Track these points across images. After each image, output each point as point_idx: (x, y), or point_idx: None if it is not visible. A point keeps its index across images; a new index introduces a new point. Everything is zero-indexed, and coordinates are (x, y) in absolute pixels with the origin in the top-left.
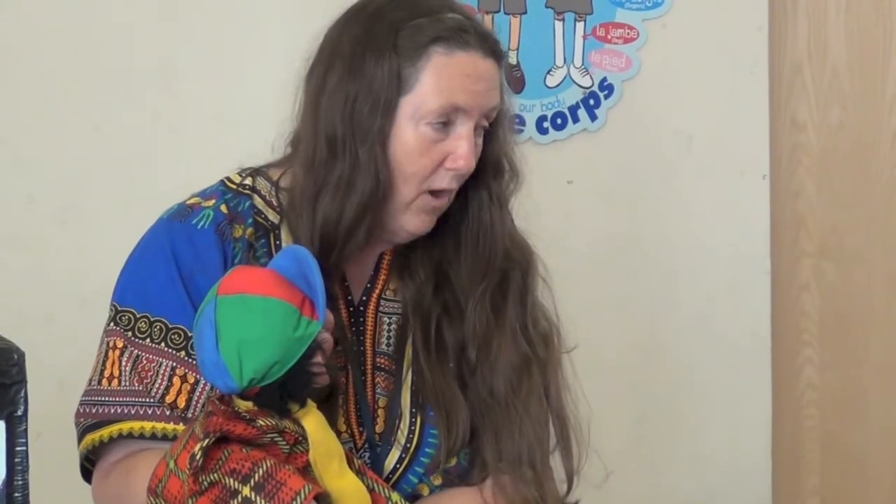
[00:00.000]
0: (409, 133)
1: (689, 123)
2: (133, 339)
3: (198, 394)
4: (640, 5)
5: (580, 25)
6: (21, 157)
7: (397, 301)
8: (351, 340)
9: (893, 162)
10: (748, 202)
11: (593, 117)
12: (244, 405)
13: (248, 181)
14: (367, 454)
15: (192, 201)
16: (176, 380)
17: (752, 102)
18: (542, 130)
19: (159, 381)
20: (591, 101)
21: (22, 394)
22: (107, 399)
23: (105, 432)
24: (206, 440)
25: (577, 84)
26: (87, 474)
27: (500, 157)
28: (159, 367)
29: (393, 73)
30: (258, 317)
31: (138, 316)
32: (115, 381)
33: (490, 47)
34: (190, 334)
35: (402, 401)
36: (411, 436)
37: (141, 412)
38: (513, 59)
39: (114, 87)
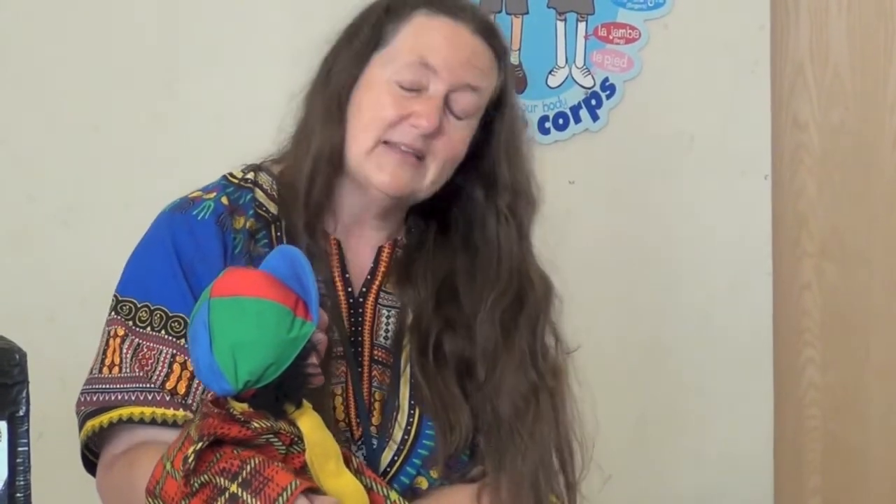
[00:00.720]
0: (377, 84)
1: (691, 123)
2: (134, 327)
3: (198, 381)
4: (642, 5)
5: (582, 25)
6: (21, 157)
7: (397, 294)
8: (349, 332)
9: (895, 162)
10: (750, 202)
11: (595, 117)
12: (239, 407)
13: (251, 175)
14: (364, 446)
15: (194, 194)
16: (176, 367)
17: (754, 102)
18: (544, 131)
19: (160, 367)
20: (593, 102)
21: (24, 394)
22: (108, 386)
23: (105, 418)
24: (200, 443)
25: (578, 84)
26: (87, 464)
27: (514, 176)
28: (160, 354)
29: (376, 30)
30: (252, 319)
31: (139, 305)
32: (116, 369)
33: (485, 29)
34: None
35: (401, 394)
36: (409, 428)
37: (141, 398)
38: (515, 60)
39: (114, 86)
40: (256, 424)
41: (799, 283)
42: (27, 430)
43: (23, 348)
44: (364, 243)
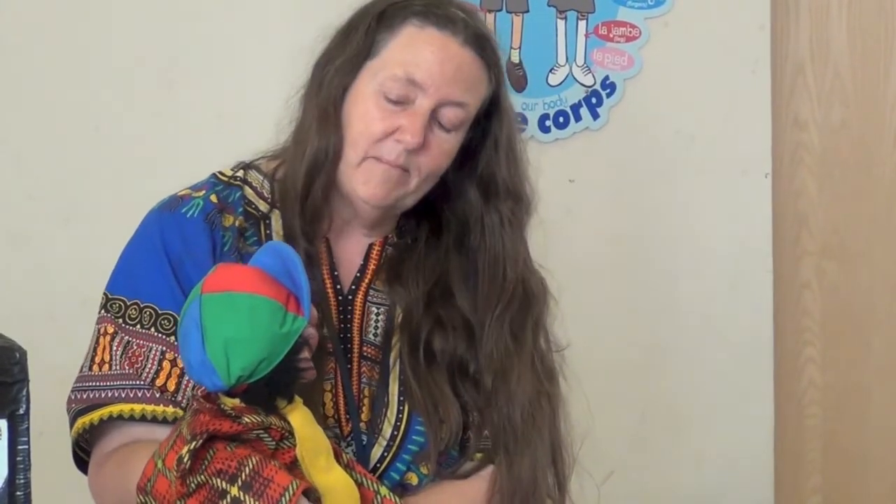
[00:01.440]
0: (366, 97)
1: (692, 122)
2: (124, 325)
3: (187, 378)
4: (643, 4)
5: (582, 24)
6: (21, 157)
7: (386, 292)
8: (338, 329)
9: (895, 161)
10: (750, 201)
11: (595, 116)
12: (230, 402)
13: (240, 174)
14: (354, 443)
15: (182, 192)
16: (166, 364)
17: (754, 101)
18: (545, 129)
19: (149, 364)
20: (594, 100)
21: (24, 392)
22: (98, 384)
23: (96, 415)
24: (194, 442)
25: (579, 82)
26: (79, 462)
27: (514, 182)
28: (149, 351)
29: (368, 38)
30: (244, 314)
31: (129, 303)
32: (106, 366)
33: (475, 40)
34: None
35: (390, 389)
36: (398, 424)
37: (131, 395)
38: (515, 58)
39: (114, 87)
40: (247, 420)
41: (799, 283)
42: (27, 429)
43: (23, 347)
44: (354, 242)
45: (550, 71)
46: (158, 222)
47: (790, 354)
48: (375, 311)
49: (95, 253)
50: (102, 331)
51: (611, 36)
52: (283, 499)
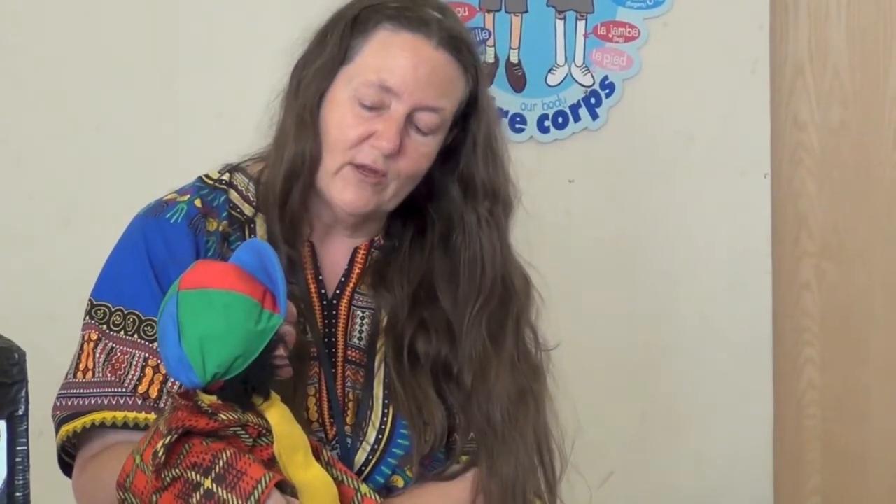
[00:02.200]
0: (341, 103)
1: (691, 122)
2: (107, 331)
3: (170, 384)
4: (642, 4)
5: (581, 24)
6: (22, 157)
7: (371, 296)
8: (322, 333)
9: (894, 161)
10: (749, 201)
11: (595, 116)
12: (207, 399)
13: (226, 177)
14: (339, 446)
15: (168, 197)
16: (148, 370)
17: (754, 102)
18: (544, 129)
19: (132, 371)
20: (593, 100)
21: (23, 393)
22: (81, 391)
23: (79, 423)
24: (169, 437)
25: (578, 83)
26: (65, 467)
27: (492, 181)
28: (132, 358)
29: (343, 43)
30: (220, 311)
31: (113, 309)
32: (90, 374)
33: (450, 43)
34: None
35: (375, 393)
36: (383, 427)
37: (113, 402)
38: (514, 58)
39: (115, 86)
40: (224, 416)
41: (798, 283)
42: (26, 430)
43: (22, 347)
44: (338, 245)
45: (549, 71)
46: (142, 228)
47: (789, 355)
48: (360, 314)
49: (95, 253)
50: (87, 337)
51: (610, 36)
52: (255, 491)
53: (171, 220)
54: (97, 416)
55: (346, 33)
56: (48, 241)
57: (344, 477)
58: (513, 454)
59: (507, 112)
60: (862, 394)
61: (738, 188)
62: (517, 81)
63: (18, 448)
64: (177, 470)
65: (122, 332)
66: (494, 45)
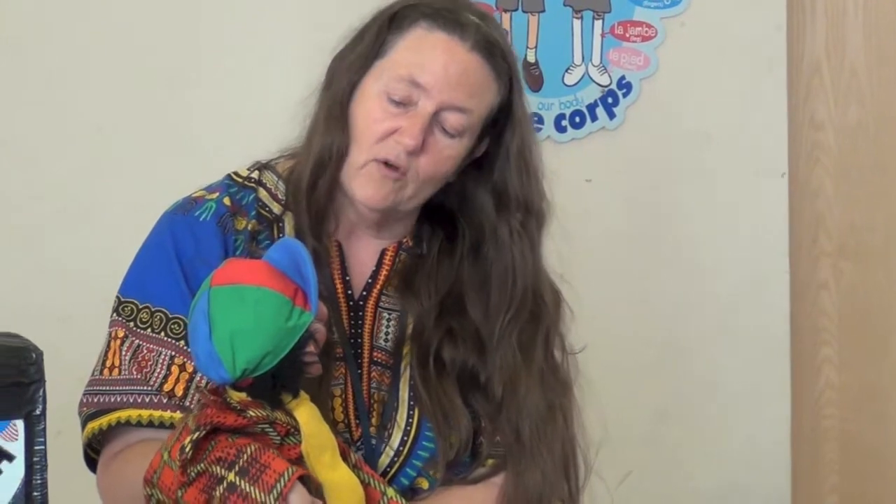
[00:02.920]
0: (371, 96)
1: (708, 122)
2: (134, 329)
3: (196, 382)
4: (659, 3)
5: (598, 24)
6: (37, 156)
7: (398, 298)
8: (348, 333)
9: None
10: (767, 201)
11: (612, 116)
12: (236, 396)
13: (255, 175)
14: (364, 448)
15: (197, 194)
16: (174, 368)
17: (771, 101)
18: (561, 129)
19: (158, 369)
20: (610, 100)
21: (40, 393)
22: (107, 388)
23: (104, 421)
24: (196, 433)
25: (595, 82)
26: (90, 463)
27: (525, 193)
28: (159, 356)
29: (379, 38)
30: (251, 307)
31: (140, 307)
32: (116, 371)
33: (484, 46)
34: None
35: (400, 395)
36: (408, 429)
37: (139, 400)
38: (531, 58)
39: (130, 86)
40: (252, 413)
41: (816, 282)
42: (44, 429)
43: (39, 347)
44: (365, 245)
45: (566, 71)
46: (171, 225)
47: (807, 355)
48: (387, 316)
49: (111, 253)
50: (113, 335)
51: (627, 35)
52: (277, 485)
53: (200, 218)
54: (122, 414)
55: (384, 29)
56: (64, 242)
57: (371, 479)
58: (539, 467)
59: None
60: (880, 393)
61: (755, 188)
62: (534, 81)
63: (36, 447)
64: (202, 465)
65: (149, 330)
66: (511, 45)
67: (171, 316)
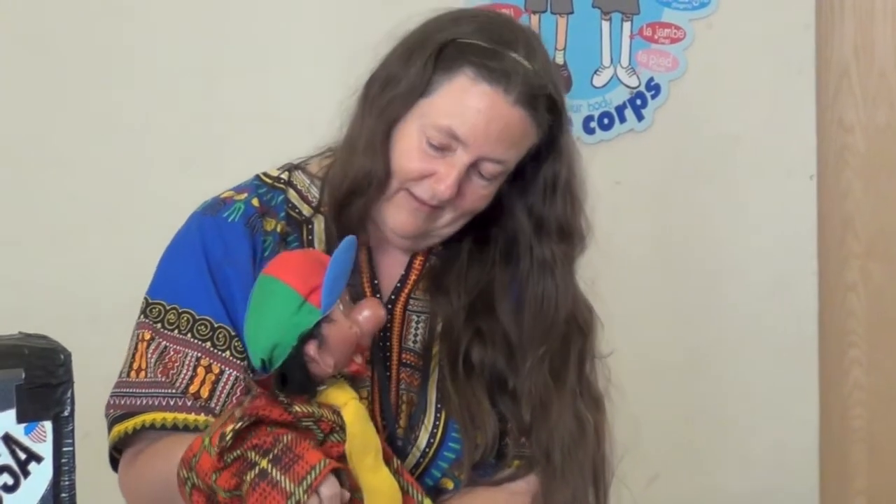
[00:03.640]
0: (411, 134)
1: (736, 123)
2: (161, 330)
3: (222, 384)
4: (687, 5)
5: (627, 25)
6: (67, 157)
7: (427, 300)
8: (377, 337)
9: None
10: (795, 202)
11: (640, 117)
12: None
13: (285, 175)
14: (390, 449)
15: (225, 195)
16: (200, 370)
17: (799, 102)
18: (589, 131)
19: (184, 371)
20: (638, 102)
21: (69, 394)
22: (134, 391)
23: (130, 424)
24: (240, 423)
25: (623, 84)
26: (114, 463)
27: (569, 223)
28: (185, 357)
29: (426, 74)
30: (266, 297)
31: (167, 308)
32: (142, 373)
33: (527, 100)
34: (216, 325)
35: (428, 396)
36: (435, 431)
37: (164, 403)
38: (560, 59)
39: (158, 86)
40: (298, 409)
41: (844, 284)
42: (72, 431)
43: (67, 348)
44: (395, 251)
45: (595, 72)
46: (199, 226)
47: (835, 356)
48: (415, 318)
49: (139, 254)
50: (140, 337)
51: (655, 37)
52: (308, 476)
53: (229, 219)
54: (147, 418)
55: (430, 64)
56: (92, 243)
57: (410, 488)
58: (570, 486)
59: None
60: None
61: (783, 189)
62: (563, 83)
63: (65, 449)
64: (238, 451)
65: (176, 331)
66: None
67: (198, 317)
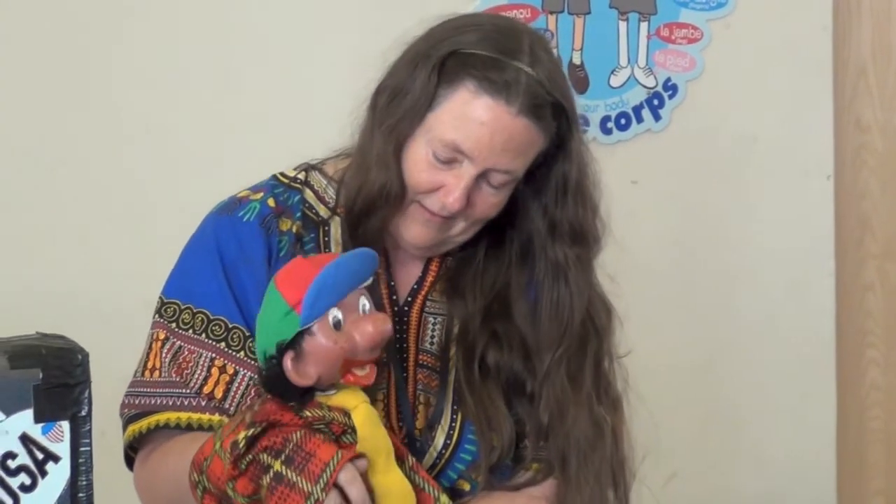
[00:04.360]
0: (419, 147)
1: (753, 124)
2: (176, 330)
3: (236, 385)
4: (705, 5)
5: (644, 25)
6: (86, 157)
7: (443, 302)
8: (394, 339)
9: None
10: (812, 203)
11: (657, 118)
12: None
13: (301, 175)
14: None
15: (241, 194)
16: (214, 370)
17: (817, 103)
18: (606, 131)
19: (199, 371)
20: (656, 102)
21: (86, 394)
22: (148, 390)
23: (144, 423)
24: (252, 430)
25: (641, 84)
26: (129, 462)
27: (582, 224)
28: (199, 357)
29: (430, 88)
30: (265, 304)
31: (182, 308)
32: (157, 373)
33: (531, 109)
34: (231, 326)
35: (445, 397)
36: (451, 432)
37: (178, 403)
38: (577, 59)
39: (173, 87)
40: (309, 413)
41: (862, 284)
42: (89, 430)
43: (85, 348)
44: (412, 256)
45: (612, 73)
46: (215, 226)
47: (852, 356)
48: (432, 320)
49: (156, 254)
50: (155, 336)
51: (672, 38)
52: (324, 474)
53: (244, 219)
54: (161, 417)
55: (433, 77)
56: (109, 243)
57: (425, 484)
58: (586, 489)
59: None
60: None
61: (801, 190)
62: (580, 83)
63: (82, 449)
64: (251, 455)
65: (191, 331)
66: (557, 47)
67: (212, 317)
